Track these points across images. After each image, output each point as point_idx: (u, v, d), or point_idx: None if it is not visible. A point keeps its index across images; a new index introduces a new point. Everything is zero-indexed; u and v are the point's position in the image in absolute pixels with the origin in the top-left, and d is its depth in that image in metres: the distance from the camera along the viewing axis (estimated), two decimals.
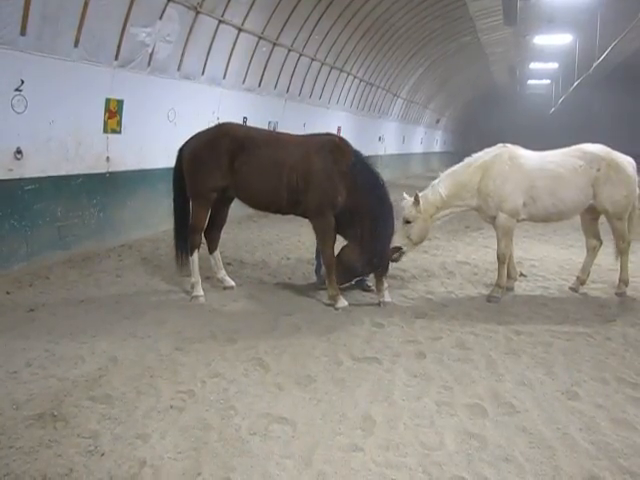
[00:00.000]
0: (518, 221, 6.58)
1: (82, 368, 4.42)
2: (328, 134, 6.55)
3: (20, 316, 5.61)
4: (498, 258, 6.63)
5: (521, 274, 7.66)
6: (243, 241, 9.72)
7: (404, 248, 6.46)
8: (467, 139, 39.40)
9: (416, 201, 6.35)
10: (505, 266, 6.65)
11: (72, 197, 7.80)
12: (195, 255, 6.32)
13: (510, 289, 6.96)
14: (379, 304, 6.27)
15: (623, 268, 6.79)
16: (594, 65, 17.50)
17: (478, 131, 39.29)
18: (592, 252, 7.04)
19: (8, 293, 6.36)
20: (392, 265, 7.74)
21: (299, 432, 3.58)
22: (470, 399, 4.11)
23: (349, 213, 6.16)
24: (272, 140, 6.31)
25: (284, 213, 6.46)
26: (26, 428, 3.52)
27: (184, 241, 6.40)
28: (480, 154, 6.64)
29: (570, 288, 7.07)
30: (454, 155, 29.27)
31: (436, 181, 6.60)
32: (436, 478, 3.17)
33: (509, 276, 6.95)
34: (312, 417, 3.77)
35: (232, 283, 6.74)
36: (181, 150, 6.35)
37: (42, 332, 5.16)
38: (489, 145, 6.79)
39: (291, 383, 4.27)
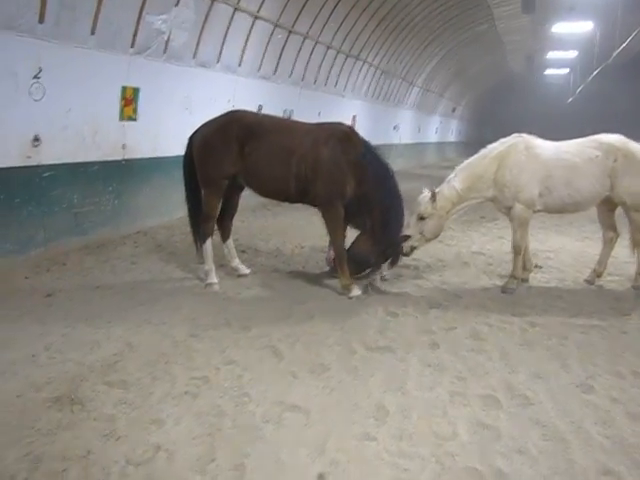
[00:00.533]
0: (534, 212, 6.53)
1: (98, 353, 4.48)
2: (338, 123, 6.51)
3: (38, 301, 5.69)
4: (513, 249, 6.58)
5: (536, 265, 7.61)
6: (257, 229, 9.75)
7: (416, 244, 6.43)
8: (483, 129, 39.00)
9: (433, 198, 6.32)
10: (520, 257, 6.60)
11: (88, 184, 7.84)
12: (208, 243, 6.34)
13: (525, 281, 6.91)
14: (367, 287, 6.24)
15: None
16: (614, 54, 17.22)
17: (494, 121, 38.84)
18: (609, 244, 6.95)
19: (26, 278, 6.44)
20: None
21: (312, 420, 3.60)
22: (484, 390, 4.11)
23: (359, 203, 6.17)
24: (282, 127, 6.30)
25: (292, 201, 6.46)
26: (45, 410, 3.59)
27: (197, 226, 6.43)
28: (495, 145, 6.57)
29: (585, 280, 7.01)
30: (469, 145, 29.04)
31: (451, 175, 6.54)
32: (449, 468, 3.18)
33: (524, 268, 6.89)
34: (325, 405, 3.79)
35: (246, 271, 6.76)
36: (192, 138, 6.36)
37: (59, 317, 5.23)
38: (505, 135, 6.71)
39: (305, 371, 4.29)
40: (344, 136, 6.17)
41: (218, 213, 6.44)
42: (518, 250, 6.54)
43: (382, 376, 4.27)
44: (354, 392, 4.00)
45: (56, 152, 7.25)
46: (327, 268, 7.02)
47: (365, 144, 6.23)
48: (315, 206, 6.32)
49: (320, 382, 4.13)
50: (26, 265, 6.79)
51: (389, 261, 6.43)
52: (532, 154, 6.35)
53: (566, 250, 8.84)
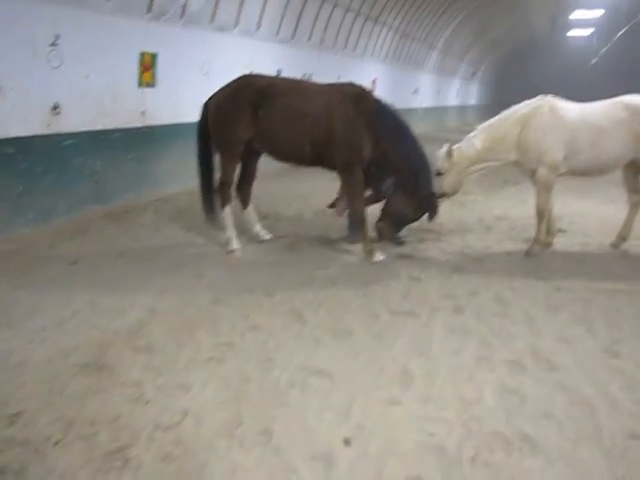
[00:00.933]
0: (558, 175, 6.40)
1: (123, 319, 4.52)
2: (349, 84, 6.35)
3: (62, 269, 5.74)
4: (537, 213, 6.48)
5: (560, 229, 7.49)
6: (278, 194, 9.69)
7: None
8: (504, 92, 38.04)
9: (449, 153, 6.26)
10: (544, 221, 6.50)
11: (109, 151, 7.84)
12: (227, 209, 6.32)
13: (549, 245, 6.81)
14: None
15: None
16: None
17: (515, 84, 37.86)
18: (635, 207, 6.81)
19: (50, 247, 6.50)
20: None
21: (337, 385, 3.61)
22: (509, 355, 4.08)
23: (382, 164, 6.12)
24: (294, 89, 6.19)
25: (308, 165, 6.40)
26: (74, 376, 3.64)
27: (209, 195, 6.41)
28: (519, 106, 6.41)
29: (611, 244, 6.89)
30: (490, 108, 28.43)
31: (472, 134, 6.43)
32: (475, 433, 3.17)
33: (548, 232, 6.80)
34: (350, 370, 3.80)
35: (268, 236, 6.77)
36: (206, 104, 6.31)
37: (84, 285, 5.28)
38: (526, 98, 6.56)
39: (329, 336, 4.30)
40: (356, 97, 6.06)
41: (235, 179, 6.40)
42: (542, 214, 6.44)
43: (406, 341, 4.26)
44: (378, 357, 4.00)
45: (76, 120, 7.24)
46: (346, 234, 6.96)
47: (378, 103, 6.13)
48: (332, 170, 6.26)
49: (344, 347, 4.14)
50: (50, 233, 6.85)
51: (427, 214, 6.33)
52: (556, 116, 6.19)
53: (590, 214, 8.69)
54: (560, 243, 6.99)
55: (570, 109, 6.33)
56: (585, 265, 6.18)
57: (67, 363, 3.81)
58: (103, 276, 5.52)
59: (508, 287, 5.46)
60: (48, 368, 3.75)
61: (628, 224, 6.84)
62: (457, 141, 6.57)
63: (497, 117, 6.47)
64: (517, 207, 9.13)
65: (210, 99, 6.30)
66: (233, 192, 6.44)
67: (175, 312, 4.68)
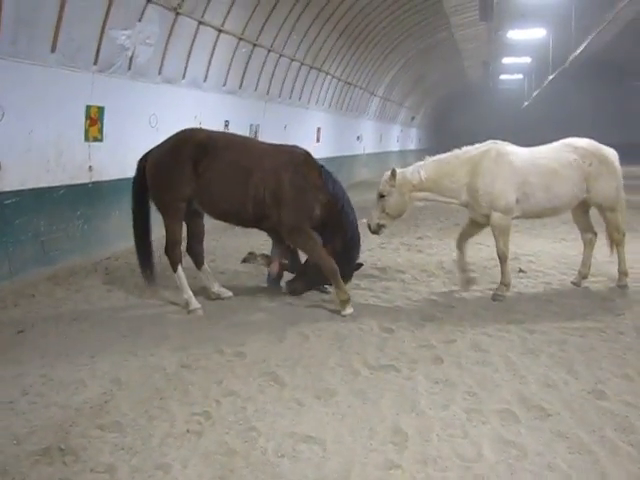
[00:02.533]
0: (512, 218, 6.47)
1: (84, 393, 4.12)
2: (294, 146, 6.38)
3: (9, 339, 5.26)
4: (499, 257, 6.51)
5: (521, 270, 7.59)
6: (232, 249, 9.43)
7: (382, 221, 6.48)
8: (441, 136, 39.54)
9: (392, 175, 6.32)
10: (507, 264, 6.54)
11: (55, 210, 7.44)
12: (180, 269, 6.06)
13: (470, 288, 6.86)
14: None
15: (621, 260, 6.76)
16: (570, 58, 17.63)
17: (452, 127, 39.51)
18: (589, 245, 6.99)
19: None
20: (387, 264, 7.96)
21: (329, 451, 3.35)
22: (498, 404, 3.95)
23: (320, 230, 6.13)
24: (236, 146, 6.09)
25: (248, 226, 6.32)
26: (32, 466, 3.21)
27: (145, 255, 6.24)
28: (470, 148, 6.52)
29: (572, 283, 6.99)
30: (429, 152, 29.16)
31: (421, 163, 6.53)
32: None
33: (461, 272, 6.89)
34: (340, 434, 3.55)
35: (229, 294, 6.48)
36: (141, 161, 6.12)
37: (35, 355, 4.82)
38: (461, 140, 6.76)
39: (310, 398, 4.04)
40: (304, 160, 6.06)
41: (181, 238, 6.14)
42: (504, 258, 6.48)
43: (392, 397, 4.06)
44: (367, 417, 3.77)
45: (19, 177, 6.85)
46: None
47: (322, 168, 6.17)
48: (273, 232, 6.20)
49: (329, 408, 3.89)
50: None
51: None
52: (504, 161, 6.30)
53: (545, 253, 8.85)
54: (522, 284, 7.05)
55: (520, 153, 6.47)
56: (552, 305, 6.22)
57: (22, 450, 3.36)
58: (56, 344, 5.08)
59: (482, 333, 5.38)
60: None
61: (586, 262, 6.98)
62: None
63: (448, 153, 6.57)
64: (473, 249, 9.14)
65: (147, 155, 6.11)
66: (181, 251, 6.18)
67: (141, 381, 4.31)
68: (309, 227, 5.96)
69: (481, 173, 6.24)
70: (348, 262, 6.24)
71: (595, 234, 6.99)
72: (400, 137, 31.71)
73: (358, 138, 22.71)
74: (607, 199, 6.54)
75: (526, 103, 33.92)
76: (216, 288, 6.46)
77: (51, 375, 4.43)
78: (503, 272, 6.50)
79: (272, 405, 3.92)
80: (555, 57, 21.27)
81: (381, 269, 7.86)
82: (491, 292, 6.58)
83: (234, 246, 9.69)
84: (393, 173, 6.32)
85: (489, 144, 6.51)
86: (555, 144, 6.69)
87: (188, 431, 3.57)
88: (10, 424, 3.69)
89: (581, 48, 16.32)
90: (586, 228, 7.00)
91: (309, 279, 6.40)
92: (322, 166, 6.23)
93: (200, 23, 9.70)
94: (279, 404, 3.94)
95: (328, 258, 5.96)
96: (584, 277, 6.97)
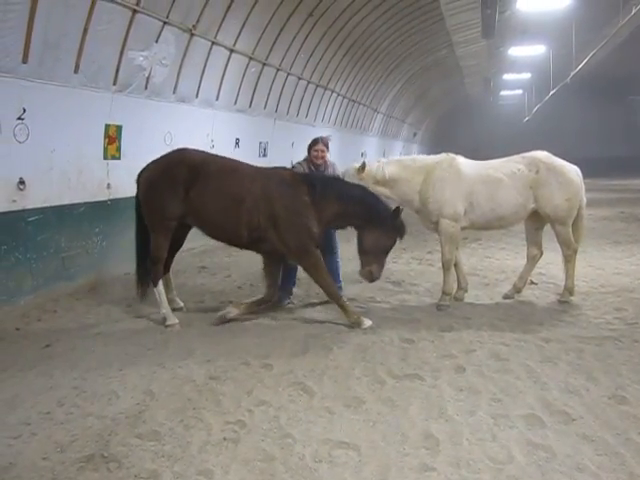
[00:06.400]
0: (461, 229, 6.58)
1: (119, 404, 4.22)
2: (281, 168, 6.49)
3: (37, 353, 5.37)
4: (442, 265, 6.62)
5: (531, 282, 7.61)
6: (246, 264, 9.53)
7: None
8: (442, 151, 39.79)
9: (361, 167, 6.47)
10: (450, 273, 6.62)
11: (75, 227, 7.59)
12: (160, 285, 6.13)
13: (459, 299, 6.91)
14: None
15: (569, 276, 6.70)
16: (571, 74, 17.87)
17: (453, 143, 39.67)
18: (532, 261, 6.99)
19: (17, 329, 6.11)
20: (400, 277, 8.01)
21: (365, 456, 3.45)
22: (523, 410, 4.05)
23: (339, 224, 6.22)
24: (228, 172, 6.13)
25: (244, 248, 6.37)
26: (78, 471, 3.33)
27: (144, 270, 6.27)
28: (426, 157, 6.77)
29: (504, 296, 7.00)
30: None
31: (385, 160, 6.72)
32: None
33: (459, 286, 6.94)
34: (373, 440, 3.65)
35: (181, 304, 6.61)
36: (138, 178, 6.21)
37: (65, 368, 4.93)
38: (463, 155, 6.82)
39: (340, 406, 4.13)
40: (291, 181, 6.06)
41: (165, 254, 6.20)
42: (447, 265, 6.57)
43: (419, 404, 4.16)
44: (397, 423, 3.87)
45: (41, 195, 7.01)
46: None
47: (308, 178, 6.17)
48: (273, 254, 6.21)
49: (359, 416, 3.98)
50: (15, 315, 6.46)
51: (399, 234, 6.24)
52: (455, 171, 6.45)
53: (556, 265, 8.89)
54: (535, 295, 7.13)
55: (469, 165, 6.61)
56: (566, 315, 6.30)
57: (67, 458, 3.48)
58: (84, 358, 5.18)
59: (500, 342, 5.45)
60: (45, 465, 3.41)
61: (524, 276, 7.01)
62: None
63: (409, 157, 6.83)
64: (483, 262, 9.40)
65: (141, 174, 6.19)
66: (163, 267, 6.25)
67: (172, 392, 4.40)
68: (313, 245, 5.98)
69: (432, 181, 6.41)
70: (385, 217, 6.08)
71: (541, 252, 6.99)
72: (402, 153, 31.93)
73: (362, 154, 22.94)
74: (556, 210, 6.44)
75: (527, 118, 34.19)
76: (172, 295, 6.57)
77: (83, 387, 4.53)
78: (445, 281, 6.59)
79: (304, 413, 4.02)
80: (555, 73, 21.56)
81: (395, 282, 7.95)
82: (505, 302, 6.70)
83: (248, 261, 9.78)
84: (363, 166, 6.48)
85: (443, 155, 6.69)
86: (508, 157, 6.76)
87: (225, 439, 3.66)
88: (51, 433, 3.80)
89: (582, 64, 16.56)
90: (534, 243, 6.96)
91: (375, 257, 6.18)
92: (308, 176, 6.23)
93: (213, 43, 9.94)
94: (310, 412, 4.04)
95: (331, 282, 6.09)
96: (517, 291, 6.97)
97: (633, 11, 12.75)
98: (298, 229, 5.90)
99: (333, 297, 6.08)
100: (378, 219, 6.07)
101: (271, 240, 5.98)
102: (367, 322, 5.98)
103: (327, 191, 6.03)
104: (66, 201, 7.41)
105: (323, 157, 6.64)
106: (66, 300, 7.13)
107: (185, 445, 3.59)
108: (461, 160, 6.64)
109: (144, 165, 8.72)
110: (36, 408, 4.17)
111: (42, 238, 7.03)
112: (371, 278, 6.26)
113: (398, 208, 6.17)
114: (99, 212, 8.03)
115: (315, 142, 6.67)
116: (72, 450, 3.56)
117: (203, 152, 6.60)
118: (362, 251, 6.20)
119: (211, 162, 6.14)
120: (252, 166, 6.43)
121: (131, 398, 4.32)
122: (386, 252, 6.30)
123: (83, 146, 7.61)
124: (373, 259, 6.16)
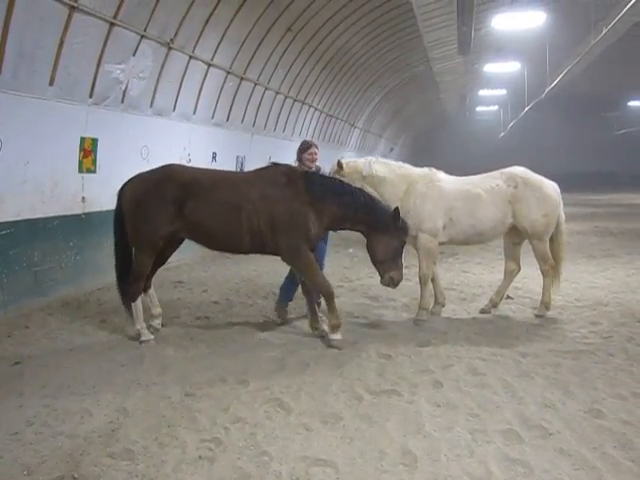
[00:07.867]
0: (440, 244, 6.62)
1: (91, 423, 4.12)
2: (274, 164, 6.26)
3: (6, 370, 5.22)
4: (420, 280, 6.64)
5: (508, 297, 7.64)
6: (223, 278, 9.49)
7: None
8: (419, 166, 40.25)
9: (339, 166, 6.54)
10: (427, 288, 6.65)
11: (48, 240, 7.45)
12: (139, 301, 5.99)
13: (437, 314, 6.93)
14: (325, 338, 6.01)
15: (546, 290, 6.76)
16: (546, 91, 18.23)
17: (429, 157, 40.09)
18: (509, 276, 7.05)
19: None
20: (377, 293, 8.02)
21: (343, 473, 3.42)
22: (500, 425, 4.05)
23: (343, 224, 6.12)
24: (220, 182, 6.06)
25: (247, 253, 6.30)
26: None
27: (127, 284, 6.05)
28: (412, 167, 6.81)
29: (481, 311, 7.06)
30: None
31: (372, 158, 6.75)
32: None
33: (436, 301, 6.98)
34: (351, 456, 3.61)
35: (159, 324, 6.38)
36: (120, 193, 6.01)
37: (36, 386, 4.80)
38: (439, 169, 6.85)
39: (317, 422, 4.10)
40: (287, 181, 5.95)
41: (148, 271, 6.08)
42: (425, 280, 6.60)
43: (397, 420, 4.14)
44: (375, 439, 3.84)
45: (14, 208, 6.88)
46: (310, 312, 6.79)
47: (305, 175, 6.05)
48: (275, 255, 6.13)
49: (337, 432, 3.95)
50: None
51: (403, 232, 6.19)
52: (435, 186, 6.52)
53: (531, 279, 8.96)
54: (511, 310, 7.18)
55: (449, 180, 6.69)
56: (542, 329, 6.35)
57: None
58: (56, 375, 5.05)
59: (477, 357, 5.47)
60: None
61: (501, 291, 7.07)
62: None
63: (396, 163, 6.85)
64: (460, 277, 9.45)
65: (125, 187, 6.00)
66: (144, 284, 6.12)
67: (147, 410, 4.32)
68: (305, 245, 5.89)
69: (414, 195, 6.46)
70: (386, 219, 5.98)
71: (519, 267, 7.04)
72: None
73: None
74: (534, 225, 6.48)
75: (502, 134, 34.76)
76: (155, 312, 6.38)
77: (54, 405, 4.42)
78: (422, 295, 6.61)
79: (281, 430, 3.97)
80: (530, 89, 21.98)
81: (372, 297, 7.95)
82: (482, 317, 6.75)
83: (225, 275, 9.73)
84: (339, 165, 6.54)
85: (425, 170, 6.75)
86: (487, 173, 6.83)
87: (200, 457, 3.60)
88: (18, 455, 3.68)
89: (556, 82, 16.91)
90: (511, 259, 7.01)
91: (391, 262, 6.08)
92: (306, 173, 6.11)
93: (191, 57, 9.91)
94: (287, 429, 3.99)
95: (325, 281, 5.99)
96: (494, 305, 7.03)
97: (604, 31, 13.09)
98: (293, 229, 5.83)
99: (326, 297, 5.96)
100: (381, 223, 5.98)
101: (272, 244, 5.94)
102: (339, 335, 5.88)
103: (326, 190, 5.97)
104: (39, 214, 7.28)
105: (316, 160, 6.70)
106: (38, 315, 6.97)
107: (159, 464, 3.52)
108: (442, 176, 6.69)
109: (120, 178, 8.64)
110: (3, 429, 4.03)
111: (14, 252, 6.88)
112: (395, 283, 6.20)
113: (397, 208, 6.10)
114: (73, 226, 7.91)
115: (309, 145, 6.72)
116: (40, 472, 3.45)
117: (190, 167, 6.54)
118: (377, 262, 6.13)
119: (201, 176, 6.06)
120: (245, 172, 6.38)
121: (104, 416, 4.23)
122: (400, 254, 6.21)
123: (58, 159, 7.50)
124: (390, 265, 6.08)
